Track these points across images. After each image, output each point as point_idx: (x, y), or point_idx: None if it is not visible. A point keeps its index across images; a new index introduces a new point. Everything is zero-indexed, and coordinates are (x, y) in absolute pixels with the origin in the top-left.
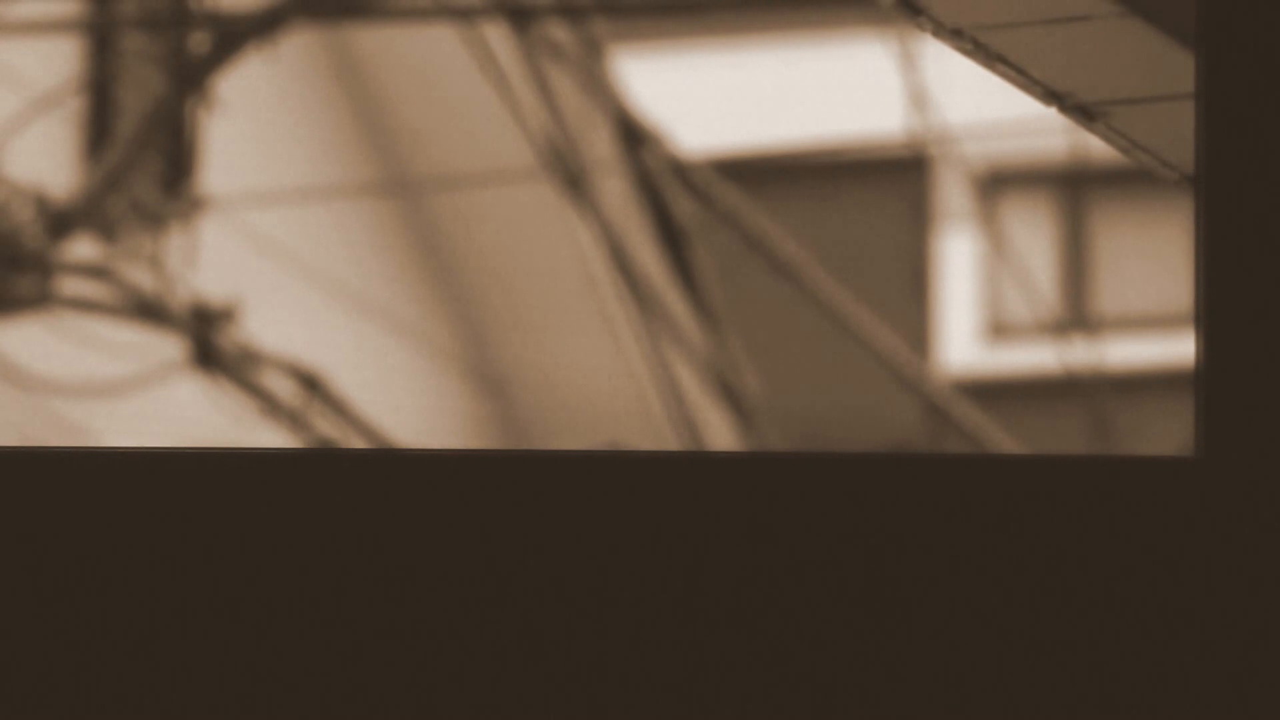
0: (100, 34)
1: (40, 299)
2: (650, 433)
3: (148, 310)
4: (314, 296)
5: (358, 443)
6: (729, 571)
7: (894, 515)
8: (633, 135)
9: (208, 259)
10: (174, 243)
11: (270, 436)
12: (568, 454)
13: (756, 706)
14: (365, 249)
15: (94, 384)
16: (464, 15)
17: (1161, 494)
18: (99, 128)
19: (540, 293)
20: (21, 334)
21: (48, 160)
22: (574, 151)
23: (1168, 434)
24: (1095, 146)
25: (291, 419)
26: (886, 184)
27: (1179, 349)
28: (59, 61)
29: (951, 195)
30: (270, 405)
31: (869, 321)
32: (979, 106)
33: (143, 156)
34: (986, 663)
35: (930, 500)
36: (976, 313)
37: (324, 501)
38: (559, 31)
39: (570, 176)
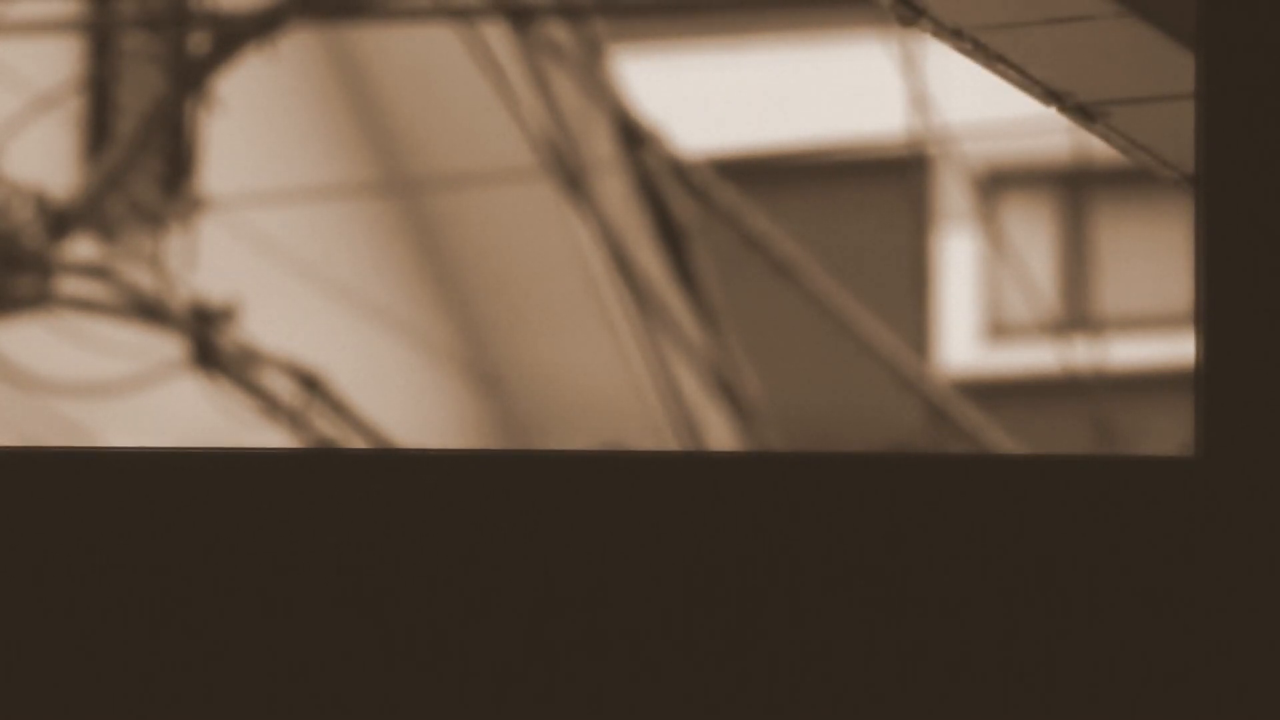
0: (100, 34)
1: (40, 299)
2: (650, 433)
3: (148, 310)
4: (314, 296)
5: (357, 443)
6: (729, 572)
7: (894, 515)
8: (633, 135)
9: (208, 259)
10: (174, 243)
11: (270, 436)
12: (568, 454)
13: (756, 707)
14: (365, 249)
15: (94, 384)
16: (464, 15)
17: (1161, 494)
18: (99, 128)
19: (540, 293)
20: (21, 334)
21: (48, 160)
22: (574, 151)
23: (1168, 434)
24: (1096, 147)
25: (291, 419)
26: (886, 184)
27: (1179, 349)
28: (59, 61)
29: (951, 195)
30: (270, 405)
31: (869, 321)
32: (979, 106)
33: (142, 156)
34: (986, 663)
35: (930, 500)
36: (976, 313)
37: (324, 501)
38: (559, 31)
39: (570, 176)
